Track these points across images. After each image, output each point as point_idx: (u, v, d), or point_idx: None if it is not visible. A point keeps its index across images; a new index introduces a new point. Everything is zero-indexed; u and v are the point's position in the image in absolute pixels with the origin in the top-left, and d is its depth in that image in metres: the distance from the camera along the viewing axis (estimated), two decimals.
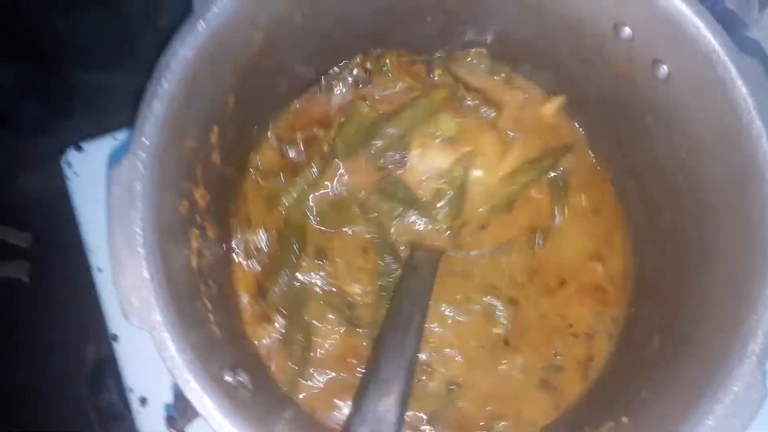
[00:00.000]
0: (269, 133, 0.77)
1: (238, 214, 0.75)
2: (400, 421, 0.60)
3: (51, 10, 1.24)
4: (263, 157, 0.77)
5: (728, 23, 0.89)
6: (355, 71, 0.78)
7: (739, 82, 0.56)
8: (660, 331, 0.65)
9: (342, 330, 0.73)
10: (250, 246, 0.75)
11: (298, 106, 0.78)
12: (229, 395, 0.52)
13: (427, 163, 0.78)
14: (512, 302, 0.75)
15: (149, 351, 0.50)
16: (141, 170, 0.53)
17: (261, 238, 0.75)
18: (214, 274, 0.66)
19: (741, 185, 0.56)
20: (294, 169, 0.76)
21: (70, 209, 0.88)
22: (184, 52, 0.57)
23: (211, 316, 0.61)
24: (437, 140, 0.78)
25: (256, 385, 0.60)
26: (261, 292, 0.73)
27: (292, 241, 0.74)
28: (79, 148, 0.88)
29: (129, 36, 1.22)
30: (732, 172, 0.58)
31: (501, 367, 0.73)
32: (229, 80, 0.64)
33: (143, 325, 0.50)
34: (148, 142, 0.54)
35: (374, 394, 0.61)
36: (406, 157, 0.77)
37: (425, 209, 0.77)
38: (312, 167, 0.75)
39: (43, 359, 1.07)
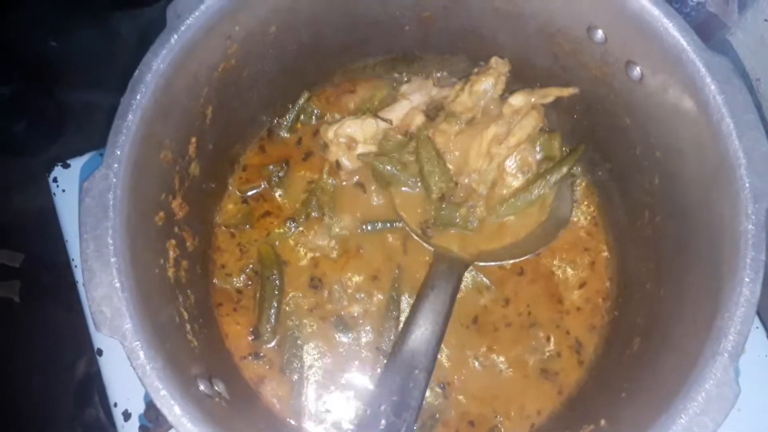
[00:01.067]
0: (230, 186, 0.79)
1: (215, 264, 0.76)
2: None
3: (43, 31, 1.26)
4: (226, 211, 0.78)
5: (710, 26, 0.90)
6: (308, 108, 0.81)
7: (708, 80, 0.56)
8: (641, 332, 0.64)
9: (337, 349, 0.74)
10: (232, 294, 0.75)
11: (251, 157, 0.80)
12: (201, 404, 0.52)
13: None
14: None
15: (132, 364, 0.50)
16: (113, 181, 0.54)
17: (240, 281, 0.76)
18: (192, 285, 0.67)
19: (713, 183, 0.56)
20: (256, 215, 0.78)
21: (59, 226, 0.88)
22: (158, 64, 0.57)
23: (188, 326, 0.61)
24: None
25: (233, 395, 0.60)
26: (254, 333, 0.73)
27: (271, 275, 0.74)
28: (66, 165, 0.89)
29: (119, 55, 1.24)
30: (705, 170, 0.57)
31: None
32: (206, 92, 0.65)
33: (114, 334, 0.50)
34: (120, 154, 0.54)
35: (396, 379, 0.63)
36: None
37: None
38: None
39: (33, 377, 1.07)
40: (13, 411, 1.04)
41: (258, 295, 0.74)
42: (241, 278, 0.75)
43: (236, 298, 0.75)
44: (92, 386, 0.97)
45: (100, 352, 0.81)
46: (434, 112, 0.79)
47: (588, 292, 0.76)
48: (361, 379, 0.73)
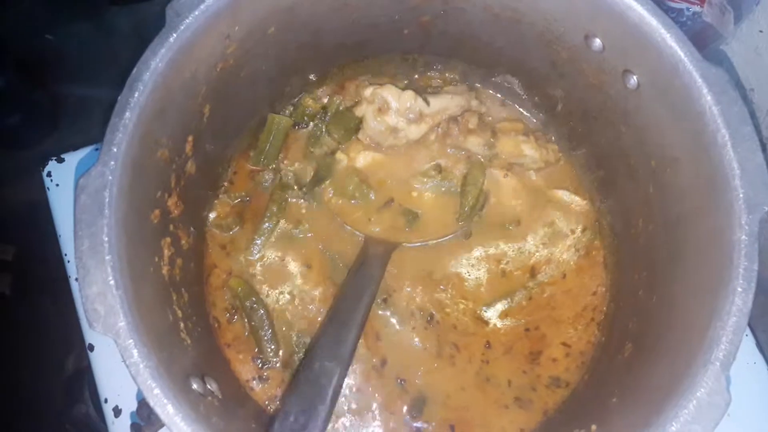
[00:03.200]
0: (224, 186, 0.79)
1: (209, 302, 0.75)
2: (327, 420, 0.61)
3: (39, 25, 1.25)
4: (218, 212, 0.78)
5: (706, 36, 0.90)
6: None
7: (705, 91, 0.56)
8: (633, 339, 0.65)
9: None
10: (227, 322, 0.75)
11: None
12: (194, 403, 0.52)
13: None
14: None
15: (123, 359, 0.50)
16: (109, 179, 0.53)
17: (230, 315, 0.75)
18: (187, 283, 0.67)
19: (707, 193, 0.57)
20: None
21: (52, 221, 0.88)
22: (156, 63, 0.57)
23: (181, 324, 0.61)
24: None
25: (225, 394, 0.60)
26: (261, 361, 0.73)
27: (252, 304, 0.74)
28: (60, 160, 0.89)
29: (115, 50, 1.23)
30: (699, 180, 0.58)
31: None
32: (204, 91, 0.65)
33: (107, 332, 0.50)
34: (117, 151, 0.54)
35: (305, 388, 0.62)
36: None
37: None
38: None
39: (23, 372, 1.07)
40: (2, 405, 1.03)
41: (248, 325, 0.73)
42: (226, 316, 0.74)
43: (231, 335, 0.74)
44: (83, 382, 0.96)
45: (91, 347, 0.80)
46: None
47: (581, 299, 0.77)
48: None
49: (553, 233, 0.79)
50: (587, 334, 0.75)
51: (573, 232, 0.79)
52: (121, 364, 0.73)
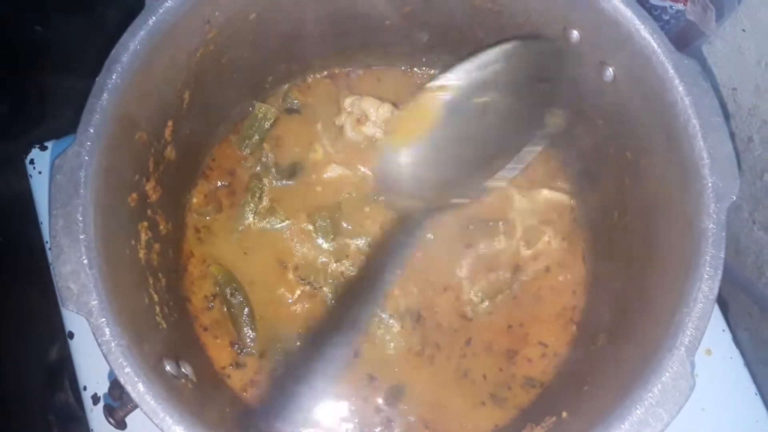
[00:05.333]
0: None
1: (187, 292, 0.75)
2: None
3: (29, 16, 1.25)
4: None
5: (689, 34, 0.91)
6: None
7: (677, 82, 0.57)
8: (606, 330, 0.65)
9: None
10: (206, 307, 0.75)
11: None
12: (166, 384, 0.52)
13: None
14: None
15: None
16: (85, 159, 0.54)
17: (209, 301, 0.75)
18: (165, 268, 0.67)
19: (679, 183, 0.57)
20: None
21: (34, 209, 0.88)
22: (135, 45, 0.58)
23: (157, 308, 0.61)
24: None
25: (200, 379, 0.60)
26: (237, 346, 0.73)
27: (233, 291, 0.74)
28: (43, 148, 0.89)
29: (104, 42, 1.23)
30: (671, 170, 0.59)
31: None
32: (184, 76, 0.65)
33: (80, 310, 0.50)
34: (93, 132, 0.55)
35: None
36: None
37: None
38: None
39: (7, 363, 1.06)
40: None
41: (227, 312, 0.74)
42: (204, 302, 0.75)
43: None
44: (63, 371, 0.96)
45: (71, 335, 0.80)
46: None
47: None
48: None
49: (535, 230, 0.80)
50: (565, 335, 0.75)
51: (555, 228, 0.80)
52: (99, 352, 0.74)
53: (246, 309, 0.73)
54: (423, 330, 0.74)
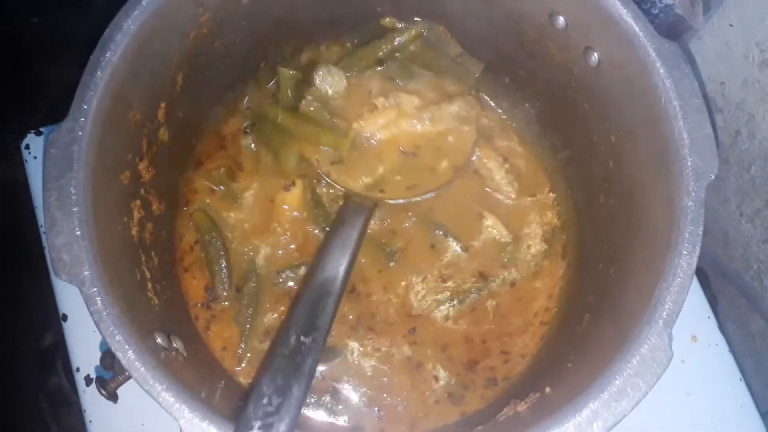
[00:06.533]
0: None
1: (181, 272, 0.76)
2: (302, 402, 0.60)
3: (24, 8, 1.26)
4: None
5: (678, 28, 0.93)
6: None
7: (658, 65, 0.58)
8: (591, 309, 0.67)
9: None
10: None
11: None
12: (156, 353, 0.53)
13: None
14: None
15: (95, 328, 0.51)
16: (79, 134, 0.55)
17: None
18: (158, 248, 0.68)
19: (660, 164, 0.59)
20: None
21: (29, 194, 0.89)
22: (128, 24, 0.59)
23: (149, 284, 0.62)
24: None
25: (191, 354, 0.61)
26: (211, 294, 0.75)
27: (211, 238, 0.76)
28: (38, 133, 0.90)
29: (100, 31, 1.24)
30: (653, 152, 0.60)
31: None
32: (177, 58, 0.66)
33: (72, 280, 0.51)
34: (87, 108, 0.56)
35: (280, 366, 0.61)
36: None
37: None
38: None
39: (1, 348, 1.07)
40: None
41: (205, 258, 0.75)
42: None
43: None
44: (57, 354, 0.97)
45: (64, 317, 0.81)
46: None
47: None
48: None
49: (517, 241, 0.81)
50: (534, 339, 0.75)
51: (540, 225, 0.82)
52: (92, 333, 0.74)
53: (222, 253, 0.75)
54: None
